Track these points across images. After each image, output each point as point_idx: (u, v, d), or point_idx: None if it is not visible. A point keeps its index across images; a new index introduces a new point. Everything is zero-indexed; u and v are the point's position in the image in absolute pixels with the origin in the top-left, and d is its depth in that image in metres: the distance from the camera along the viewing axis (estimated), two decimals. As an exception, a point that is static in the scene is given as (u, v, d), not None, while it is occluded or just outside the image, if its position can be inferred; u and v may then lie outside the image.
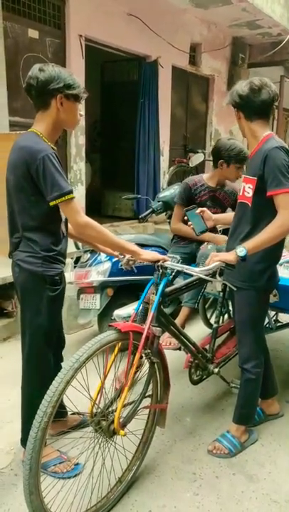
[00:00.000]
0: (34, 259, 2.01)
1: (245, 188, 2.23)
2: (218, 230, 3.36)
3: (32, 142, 1.94)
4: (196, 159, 7.09)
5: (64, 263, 2.15)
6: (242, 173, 2.63)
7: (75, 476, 2.16)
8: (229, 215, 2.82)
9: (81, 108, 2.10)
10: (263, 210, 2.15)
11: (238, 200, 2.32)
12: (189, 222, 2.45)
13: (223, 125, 8.68)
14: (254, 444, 2.50)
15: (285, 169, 2.04)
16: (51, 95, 1.94)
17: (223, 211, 3.23)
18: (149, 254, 2.14)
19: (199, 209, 2.45)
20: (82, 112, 2.14)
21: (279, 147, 2.08)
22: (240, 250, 2.05)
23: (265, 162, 2.07)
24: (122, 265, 2.45)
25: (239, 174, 3.00)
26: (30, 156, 1.89)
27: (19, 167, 1.93)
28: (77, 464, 2.21)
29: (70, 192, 1.91)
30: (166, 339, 2.84)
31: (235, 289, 2.39)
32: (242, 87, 2.16)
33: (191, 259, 3.08)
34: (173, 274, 2.27)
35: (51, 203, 1.91)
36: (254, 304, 2.32)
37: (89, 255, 3.50)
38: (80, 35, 5.37)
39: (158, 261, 2.10)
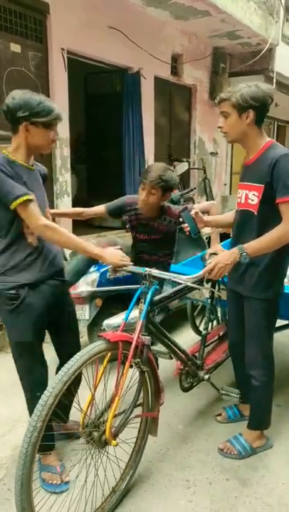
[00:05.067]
0: None
1: (248, 196, 2.18)
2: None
3: None
4: (180, 168, 7.15)
5: (29, 276, 2.08)
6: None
7: (67, 490, 2.16)
8: (220, 217, 2.72)
9: (56, 133, 2.16)
10: (269, 217, 2.12)
11: (239, 208, 2.27)
12: (185, 225, 2.38)
13: (207, 133, 8.77)
14: (246, 448, 2.52)
15: None
16: (18, 122, 2.02)
17: (158, 237, 2.86)
18: (112, 258, 2.11)
19: (193, 211, 2.36)
20: (58, 136, 2.22)
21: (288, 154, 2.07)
22: (244, 258, 2.05)
23: (274, 168, 2.05)
24: (110, 274, 2.44)
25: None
26: None
27: None
28: (66, 482, 2.21)
29: (22, 195, 1.94)
30: None
31: (222, 297, 2.42)
32: (261, 87, 2.08)
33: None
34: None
35: (11, 207, 1.95)
36: (263, 313, 2.30)
37: (77, 266, 3.50)
38: (63, 49, 5.40)
39: (123, 266, 2.13)
